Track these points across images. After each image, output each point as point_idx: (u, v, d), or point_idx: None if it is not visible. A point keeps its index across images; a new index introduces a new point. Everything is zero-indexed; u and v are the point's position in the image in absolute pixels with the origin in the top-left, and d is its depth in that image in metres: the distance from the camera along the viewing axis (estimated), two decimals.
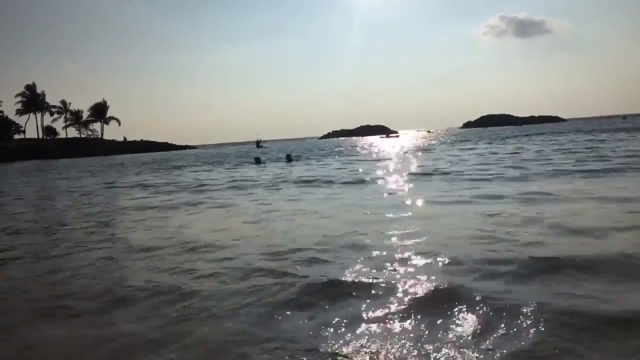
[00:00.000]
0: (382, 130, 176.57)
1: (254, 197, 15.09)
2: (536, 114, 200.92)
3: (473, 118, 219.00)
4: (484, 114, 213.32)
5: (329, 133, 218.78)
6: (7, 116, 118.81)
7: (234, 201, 14.30)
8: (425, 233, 7.80)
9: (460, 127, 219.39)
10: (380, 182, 17.52)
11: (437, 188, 14.11)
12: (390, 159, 31.35)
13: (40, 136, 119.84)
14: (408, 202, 11.91)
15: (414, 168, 22.66)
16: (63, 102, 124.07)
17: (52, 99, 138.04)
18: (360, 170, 23.55)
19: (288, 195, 14.81)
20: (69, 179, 32.87)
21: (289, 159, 37.81)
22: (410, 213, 10.16)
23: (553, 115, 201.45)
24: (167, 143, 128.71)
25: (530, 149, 29.92)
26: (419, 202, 11.61)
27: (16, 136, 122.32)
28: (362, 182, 17.67)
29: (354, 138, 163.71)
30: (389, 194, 13.85)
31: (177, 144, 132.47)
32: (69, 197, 19.54)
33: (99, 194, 20.12)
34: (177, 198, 16.12)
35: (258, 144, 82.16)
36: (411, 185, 15.68)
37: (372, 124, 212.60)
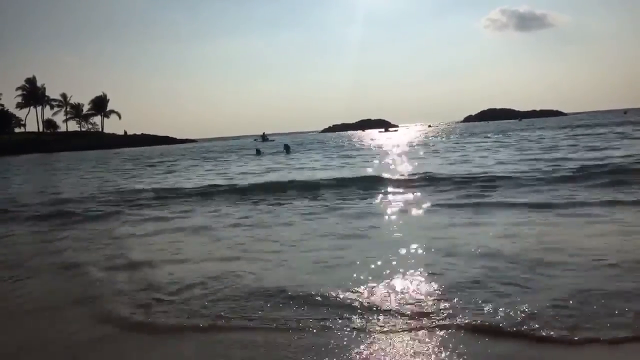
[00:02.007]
0: (382, 124, 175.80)
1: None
2: (537, 108, 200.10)
3: (474, 112, 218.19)
4: (485, 108, 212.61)
5: (329, 127, 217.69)
6: (8, 109, 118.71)
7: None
8: None
9: (461, 121, 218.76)
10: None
11: None
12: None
13: (41, 130, 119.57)
14: None
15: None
16: (63, 95, 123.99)
17: (53, 93, 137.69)
18: (369, 170, 21.96)
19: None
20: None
21: (287, 150, 39.70)
22: None
23: (554, 109, 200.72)
24: (167, 137, 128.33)
25: None
26: None
27: (17, 129, 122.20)
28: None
29: (353, 132, 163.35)
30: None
31: (178, 138, 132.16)
32: None
33: None
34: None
35: (264, 137, 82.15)
36: None
37: (372, 118, 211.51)
